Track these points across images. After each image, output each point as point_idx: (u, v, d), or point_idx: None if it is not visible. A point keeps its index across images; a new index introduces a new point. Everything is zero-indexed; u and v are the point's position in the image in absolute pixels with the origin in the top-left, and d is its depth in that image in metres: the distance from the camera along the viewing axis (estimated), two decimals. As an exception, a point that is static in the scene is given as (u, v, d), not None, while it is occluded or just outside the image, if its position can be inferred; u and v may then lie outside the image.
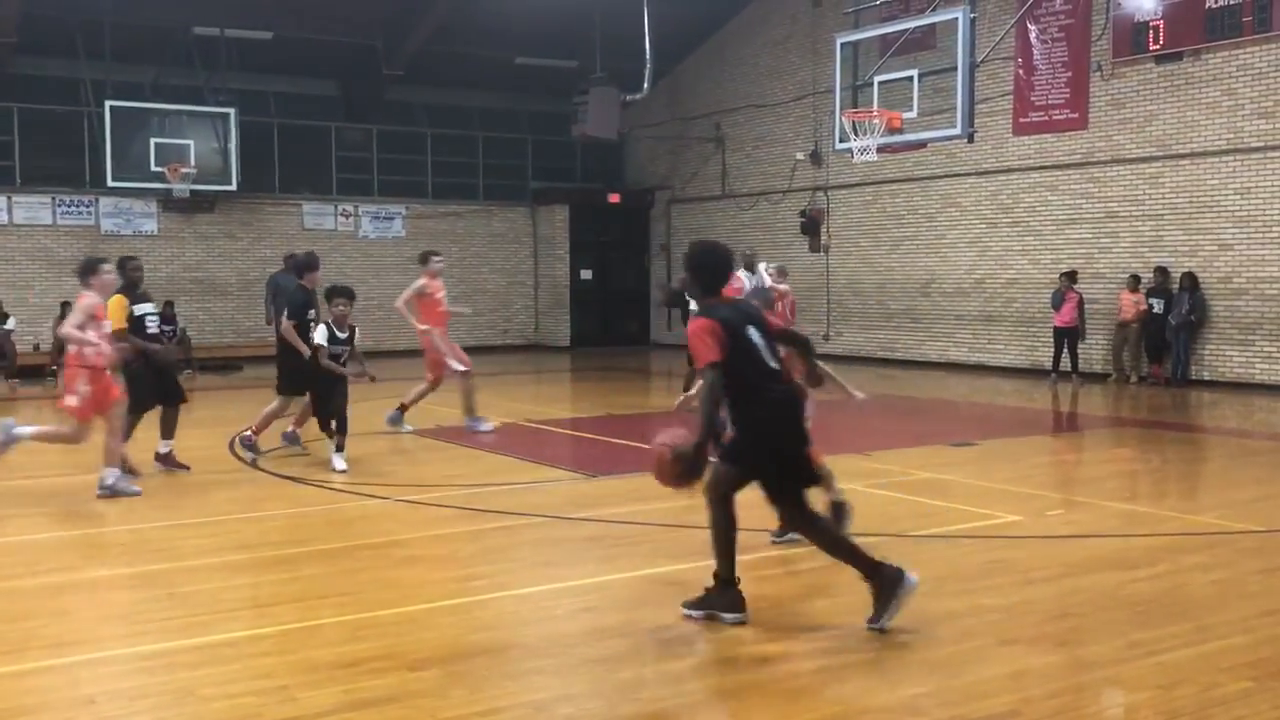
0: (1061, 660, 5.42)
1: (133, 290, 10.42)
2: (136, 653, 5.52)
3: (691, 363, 6.96)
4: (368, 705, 4.84)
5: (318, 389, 10.80)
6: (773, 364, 5.90)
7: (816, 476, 6.24)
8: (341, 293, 10.76)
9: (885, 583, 5.74)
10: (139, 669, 5.31)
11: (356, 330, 10.80)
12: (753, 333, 5.87)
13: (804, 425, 6.07)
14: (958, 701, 4.85)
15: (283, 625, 5.82)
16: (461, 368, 12.78)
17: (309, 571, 6.98)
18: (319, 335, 10.61)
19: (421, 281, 12.89)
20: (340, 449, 10.49)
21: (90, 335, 9.15)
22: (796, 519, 6.10)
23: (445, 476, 10.37)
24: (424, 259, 13.22)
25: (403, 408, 12.90)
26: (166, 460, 10.49)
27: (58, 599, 6.45)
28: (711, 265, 6.12)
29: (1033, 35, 18.91)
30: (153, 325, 10.53)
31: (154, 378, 10.36)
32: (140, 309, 10.35)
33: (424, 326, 12.81)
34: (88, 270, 9.51)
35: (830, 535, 6.09)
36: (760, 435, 5.85)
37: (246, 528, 8.39)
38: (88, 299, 9.28)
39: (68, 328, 9.17)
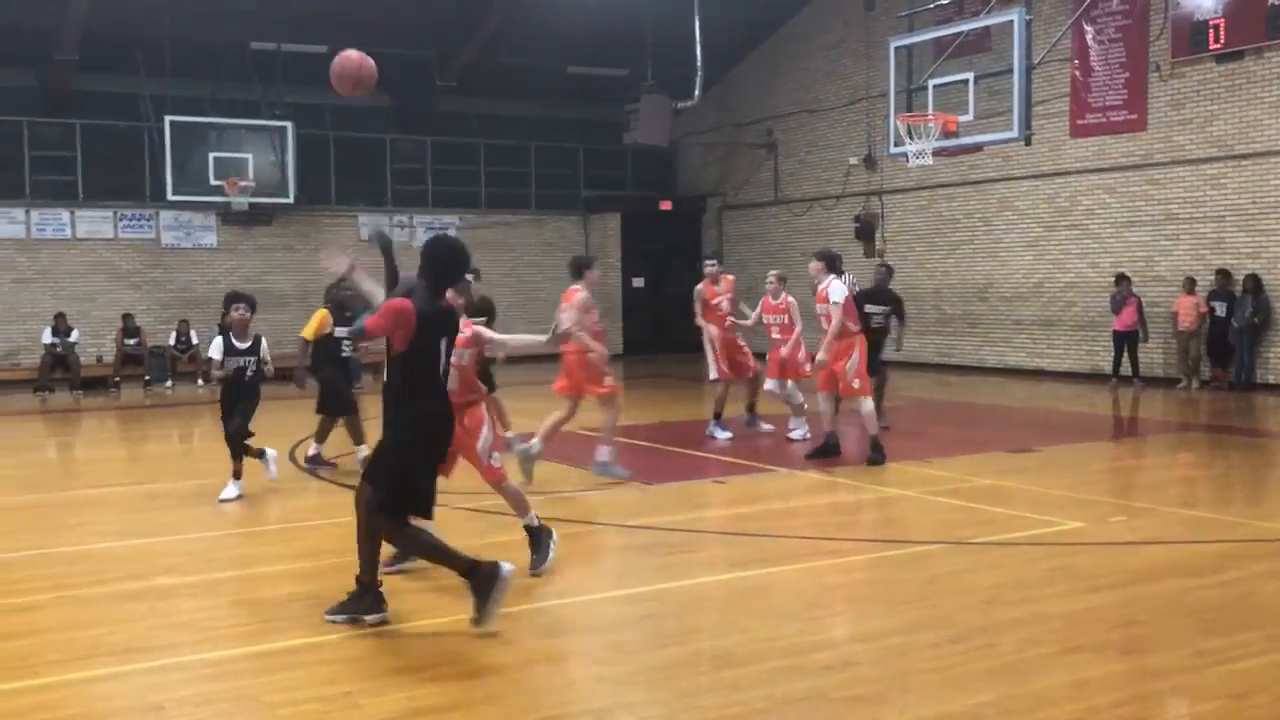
0: (1127, 669, 5.35)
1: (341, 310, 10.97)
2: (203, 660, 5.59)
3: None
4: (430, 712, 4.87)
5: (224, 404, 9.91)
6: (447, 382, 6.04)
7: (429, 509, 6.03)
8: (239, 298, 9.85)
9: (482, 580, 5.75)
10: (205, 676, 5.38)
11: (263, 339, 9.91)
12: (443, 345, 5.92)
13: (442, 454, 6.09)
14: (1022, 710, 4.80)
15: (346, 632, 5.87)
16: (713, 375, 12.92)
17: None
18: (214, 348, 9.76)
19: (699, 286, 13.22)
20: (238, 475, 9.75)
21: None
22: (390, 529, 6.02)
23: (502, 484, 10.38)
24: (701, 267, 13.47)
25: (751, 409, 13.21)
26: (314, 460, 11.13)
27: (125, 606, 6.55)
28: (443, 260, 5.99)
29: (1089, 36, 18.70)
30: (347, 350, 11.19)
31: (347, 387, 11.07)
32: (340, 331, 10.76)
33: (701, 324, 13.08)
34: (583, 265, 10.36)
35: (420, 541, 6.00)
36: (411, 437, 5.86)
37: (309, 535, 8.48)
38: (580, 294, 10.16)
39: (568, 323, 9.71)
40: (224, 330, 9.85)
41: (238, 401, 9.74)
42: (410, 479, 5.85)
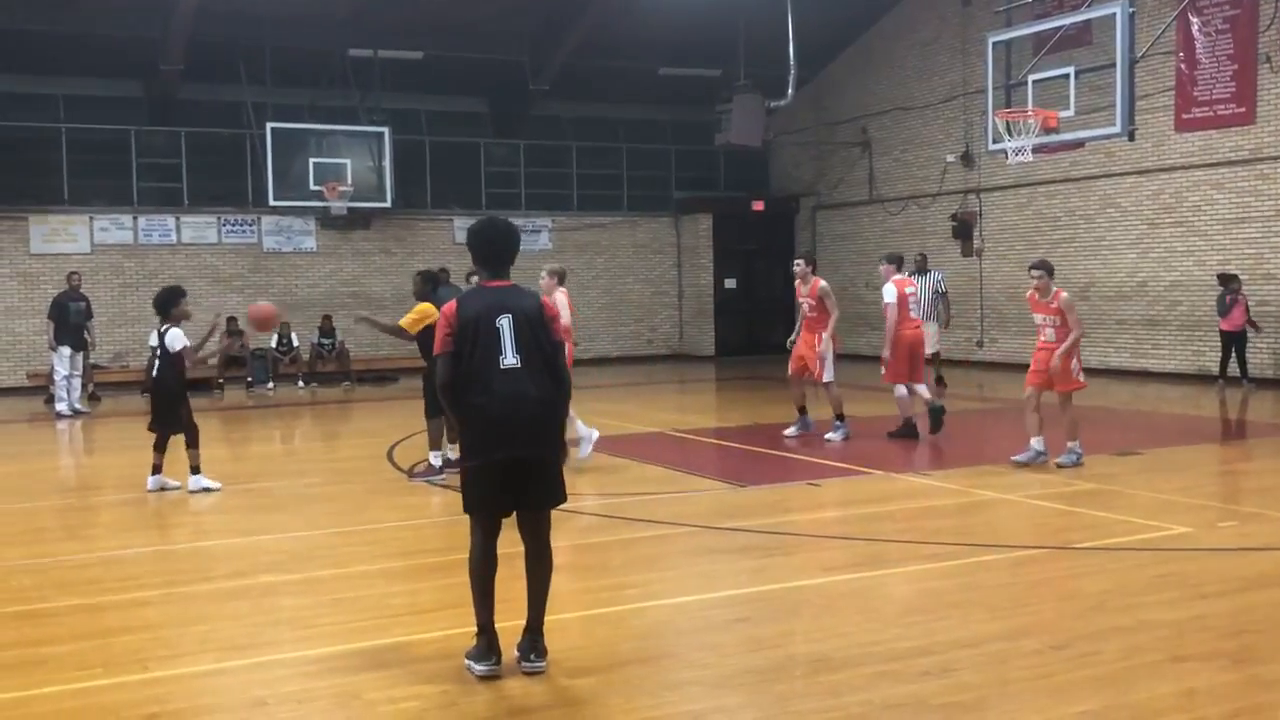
0: (1238, 679, 5.19)
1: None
2: (304, 656, 5.69)
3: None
4: (525, 712, 4.91)
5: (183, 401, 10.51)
6: (511, 359, 5.31)
7: (546, 498, 5.46)
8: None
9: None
10: (307, 672, 5.48)
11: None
12: (503, 322, 5.35)
13: (538, 429, 5.35)
14: (1128, 720, 4.69)
15: (443, 631, 5.93)
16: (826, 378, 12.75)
17: (466, 579, 7.07)
18: (181, 340, 10.44)
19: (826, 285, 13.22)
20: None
21: None
22: (527, 538, 5.49)
23: (593, 485, 10.44)
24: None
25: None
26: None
27: (230, 603, 6.70)
28: (476, 243, 5.61)
29: (1195, 28, 18.19)
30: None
31: None
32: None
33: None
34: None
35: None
36: (478, 431, 5.35)
37: (405, 535, 8.59)
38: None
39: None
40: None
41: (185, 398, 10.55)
42: (472, 479, 5.43)
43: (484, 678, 5.26)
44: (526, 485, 5.38)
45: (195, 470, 10.32)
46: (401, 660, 5.57)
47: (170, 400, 10.35)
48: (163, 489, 10.27)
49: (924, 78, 23.51)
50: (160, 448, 10.37)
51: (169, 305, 10.41)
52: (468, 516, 5.50)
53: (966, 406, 16.88)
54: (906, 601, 6.48)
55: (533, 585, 5.47)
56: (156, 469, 10.35)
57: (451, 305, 5.49)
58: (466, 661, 5.39)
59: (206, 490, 10.21)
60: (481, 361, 5.31)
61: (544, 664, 5.34)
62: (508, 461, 5.32)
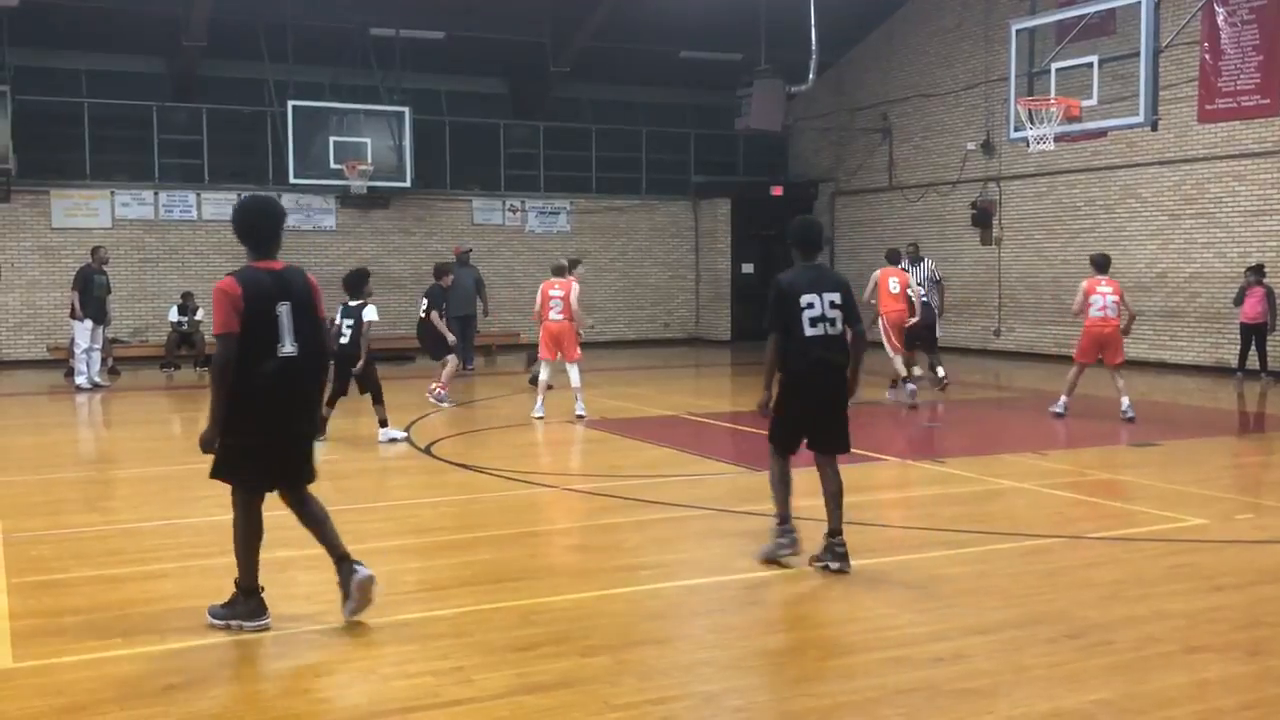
0: (1253, 671, 5.18)
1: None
2: (319, 630, 5.73)
3: None
4: (541, 689, 4.93)
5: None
6: (289, 348, 5.63)
7: (300, 476, 5.84)
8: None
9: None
10: (322, 646, 5.52)
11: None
12: (282, 309, 5.66)
13: (306, 413, 5.82)
14: (1139, 710, 4.69)
15: (458, 608, 5.96)
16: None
17: (482, 557, 7.13)
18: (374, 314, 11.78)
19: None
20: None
21: None
22: (294, 506, 5.92)
23: (610, 467, 10.47)
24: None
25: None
26: None
27: (247, 577, 6.72)
28: (239, 224, 6.03)
29: (1220, 18, 18.06)
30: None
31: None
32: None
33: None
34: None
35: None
36: (248, 413, 5.58)
37: (421, 513, 8.64)
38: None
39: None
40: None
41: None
42: (241, 457, 5.67)
43: (258, 631, 5.59)
44: (294, 464, 5.79)
45: (383, 424, 11.68)
46: (417, 636, 5.60)
47: (350, 364, 11.55)
48: (392, 440, 11.57)
49: (946, 64, 23.41)
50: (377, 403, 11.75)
51: (361, 284, 11.79)
52: (233, 484, 5.78)
53: (984, 395, 16.85)
54: (921, 588, 6.48)
55: (317, 530, 5.92)
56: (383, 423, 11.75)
57: (236, 287, 5.64)
58: (234, 622, 5.65)
59: (393, 441, 11.53)
60: (262, 347, 5.58)
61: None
62: (279, 443, 5.69)
